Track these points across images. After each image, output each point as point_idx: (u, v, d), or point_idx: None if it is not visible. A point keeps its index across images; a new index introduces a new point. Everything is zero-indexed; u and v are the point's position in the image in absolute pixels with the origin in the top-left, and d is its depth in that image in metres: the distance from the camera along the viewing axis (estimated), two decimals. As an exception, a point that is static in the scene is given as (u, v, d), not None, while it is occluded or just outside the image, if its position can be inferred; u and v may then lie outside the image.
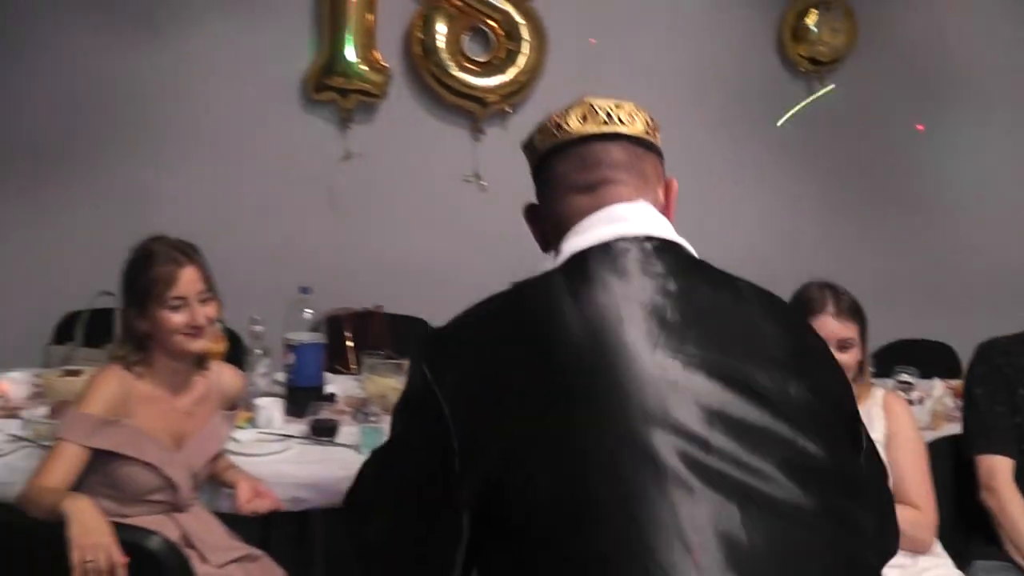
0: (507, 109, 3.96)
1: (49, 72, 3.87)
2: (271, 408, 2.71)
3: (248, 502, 2.22)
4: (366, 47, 3.85)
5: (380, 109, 3.98)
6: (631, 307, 1.16)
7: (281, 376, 2.90)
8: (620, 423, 1.09)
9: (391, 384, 2.84)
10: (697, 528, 1.04)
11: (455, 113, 4.00)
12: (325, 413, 2.78)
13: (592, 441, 1.09)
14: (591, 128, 1.31)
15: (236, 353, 2.96)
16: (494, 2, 3.85)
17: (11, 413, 2.61)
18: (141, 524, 1.97)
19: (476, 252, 3.88)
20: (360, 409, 2.74)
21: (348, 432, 2.63)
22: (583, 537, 1.06)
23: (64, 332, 3.36)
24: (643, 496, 1.05)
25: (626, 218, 1.27)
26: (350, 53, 3.83)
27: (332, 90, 3.90)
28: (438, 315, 2.91)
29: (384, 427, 2.55)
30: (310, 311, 2.90)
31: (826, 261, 3.59)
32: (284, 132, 3.98)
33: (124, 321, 2.16)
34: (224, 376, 2.35)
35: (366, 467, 1.31)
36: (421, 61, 3.89)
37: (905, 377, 2.68)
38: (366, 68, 3.85)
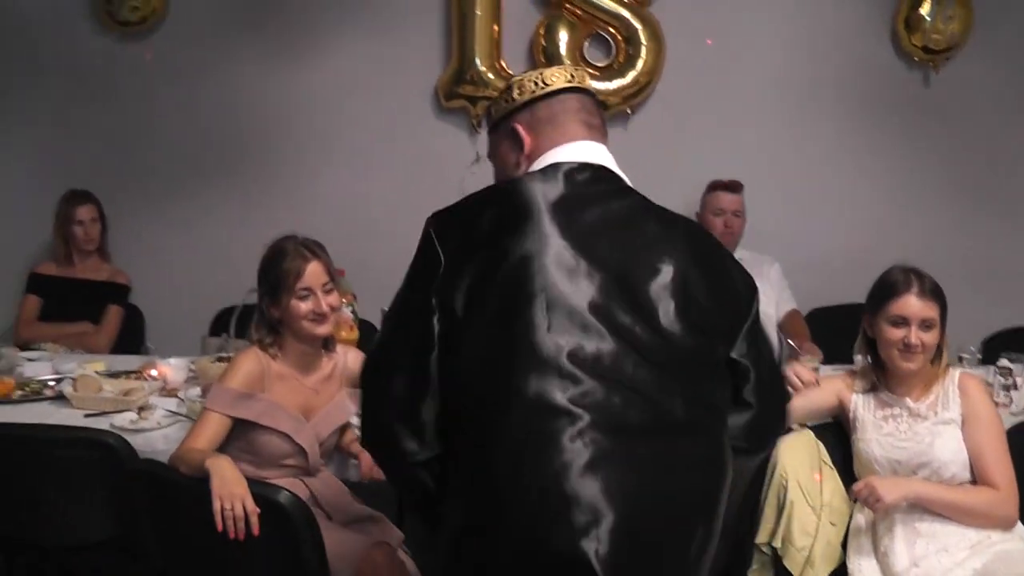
0: (627, 111, 4.11)
1: (212, 91, 4.29)
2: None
3: (369, 470, 2.47)
4: (492, 56, 4.08)
5: (503, 114, 4.20)
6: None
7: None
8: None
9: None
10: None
11: (577, 116, 4.17)
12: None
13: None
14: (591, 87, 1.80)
15: (367, 341, 3.22)
16: (613, 9, 3.99)
17: (170, 393, 2.97)
18: (274, 484, 2.25)
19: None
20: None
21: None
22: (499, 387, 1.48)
23: (219, 325, 3.74)
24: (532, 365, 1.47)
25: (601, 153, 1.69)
26: (478, 63, 4.08)
27: (462, 98, 4.15)
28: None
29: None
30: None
31: (937, 249, 3.63)
32: (418, 138, 4.25)
33: (260, 309, 2.46)
34: (349, 358, 2.61)
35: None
36: (544, 68, 4.08)
37: (1004, 362, 2.69)
38: (493, 76, 4.08)
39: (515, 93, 1.74)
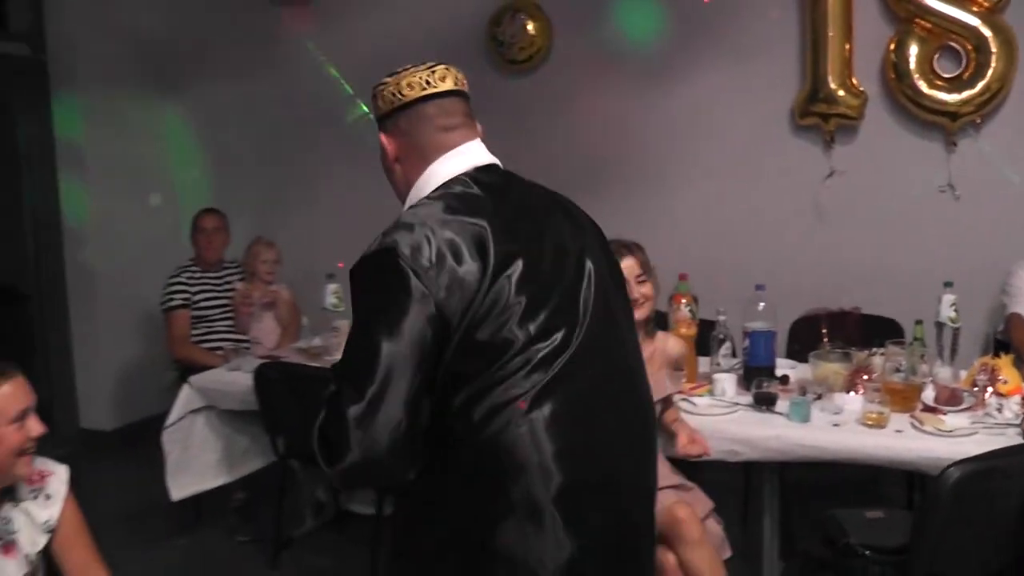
0: (977, 120, 4.10)
1: (585, 118, 4.90)
2: (725, 381, 3.31)
3: (684, 446, 2.85)
4: (844, 75, 4.27)
5: (858, 130, 4.37)
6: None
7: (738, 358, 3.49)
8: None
9: (835, 368, 3.27)
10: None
11: (927, 128, 4.23)
12: (773, 390, 3.30)
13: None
14: (446, 86, 1.86)
15: (704, 337, 3.58)
16: (963, 19, 4.02)
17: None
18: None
19: (949, 257, 4.09)
20: (804, 387, 3.23)
21: (785, 404, 3.13)
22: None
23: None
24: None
25: (472, 151, 1.87)
26: (830, 81, 4.29)
27: (816, 115, 4.37)
28: (909, 315, 3.31)
29: (811, 402, 3.05)
30: (762, 304, 3.42)
31: None
32: (774, 155, 4.55)
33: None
34: (669, 343, 3.02)
35: None
36: (894, 83, 4.19)
37: None
38: (845, 93, 4.27)
39: (378, 101, 1.88)
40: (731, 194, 4.65)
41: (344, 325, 3.87)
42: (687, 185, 4.73)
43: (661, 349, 3.01)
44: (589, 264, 1.82)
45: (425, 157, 1.84)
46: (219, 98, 5.71)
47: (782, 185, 4.53)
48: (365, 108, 5.12)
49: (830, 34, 4.25)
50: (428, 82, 1.85)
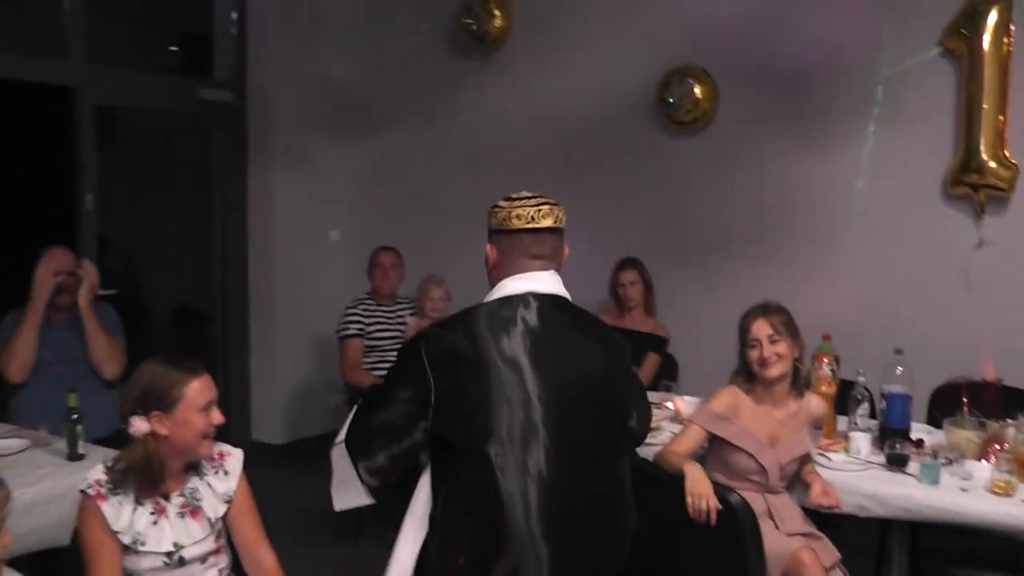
0: None
1: (746, 178, 5.12)
2: (861, 440, 3.45)
3: (816, 497, 3.04)
4: (997, 146, 4.37)
5: (1009, 201, 4.44)
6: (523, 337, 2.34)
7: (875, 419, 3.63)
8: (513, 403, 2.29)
9: (968, 435, 3.38)
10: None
11: (1079, 201, 4.29)
12: (906, 451, 3.43)
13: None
14: (546, 223, 2.41)
15: (843, 396, 3.73)
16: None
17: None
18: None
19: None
20: (936, 452, 3.35)
21: (916, 466, 3.27)
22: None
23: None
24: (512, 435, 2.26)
25: (544, 280, 2.42)
26: (983, 152, 4.39)
27: (967, 185, 4.48)
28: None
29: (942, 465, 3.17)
30: (900, 368, 3.55)
31: None
32: (925, 222, 4.66)
33: (740, 357, 3.19)
34: (812, 402, 3.23)
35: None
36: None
37: None
38: (996, 165, 4.37)
39: (491, 219, 2.47)
40: (879, 258, 4.77)
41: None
42: (837, 247, 4.88)
43: (806, 408, 3.23)
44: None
45: (509, 272, 2.43)
46: (400, 144, 6.21)
47: (931, 252, 4.64)
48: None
49: (984, 106, 4.36)
50: (533, 217, 2.40)
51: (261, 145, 6.02)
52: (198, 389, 2.44)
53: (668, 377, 4.79)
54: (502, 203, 2.45)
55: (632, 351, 4.76)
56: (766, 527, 2.88)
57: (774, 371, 3.11)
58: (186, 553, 2.44)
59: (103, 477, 2.40)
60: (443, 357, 2.31)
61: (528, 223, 2.40)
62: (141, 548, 2.38)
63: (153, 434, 2.38)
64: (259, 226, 6.07)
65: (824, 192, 4.92)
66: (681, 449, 3.04)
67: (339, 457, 4.39)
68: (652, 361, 4.87)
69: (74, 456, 3.22)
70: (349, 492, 4.48)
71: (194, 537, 2.46)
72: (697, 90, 5.16)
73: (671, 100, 5.21)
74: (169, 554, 2.41)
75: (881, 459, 3.34)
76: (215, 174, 6.07)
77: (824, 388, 3.62)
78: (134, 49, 5.84)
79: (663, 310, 5.07)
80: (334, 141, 6.21)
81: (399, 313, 5.15)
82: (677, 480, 2.84)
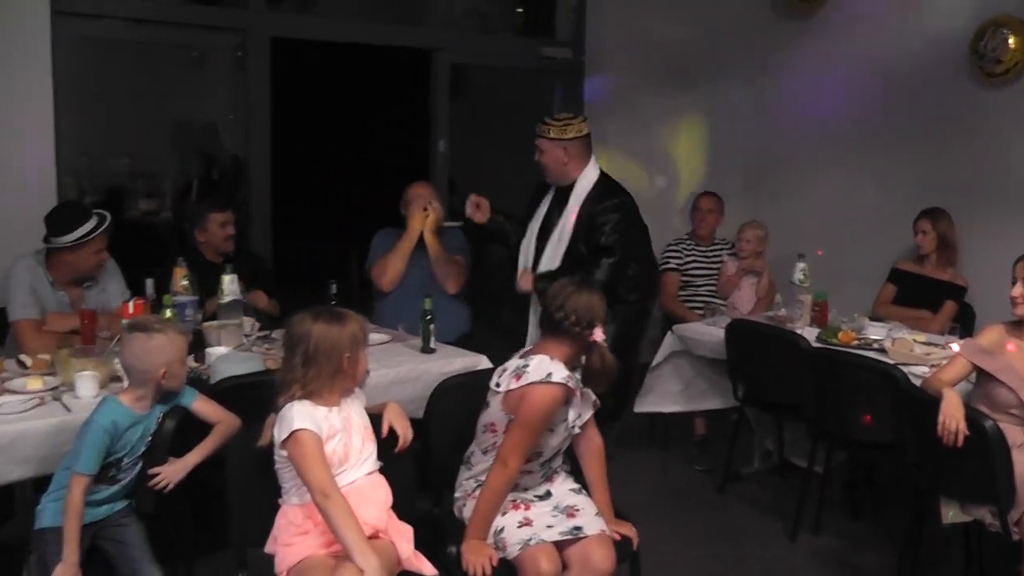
0: None
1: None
2: None
3: None
4: None
5: None
6: None
7: None
8: None
9: None
10: None
11: None
12: None
13: None
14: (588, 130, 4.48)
15: None
16: None
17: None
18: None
19: None
20: None
21: None
22: None
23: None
24: None
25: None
26: None
27: None
28: None
29: None
30: None
31: None
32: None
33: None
34: None
35: None
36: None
37: None
38: None
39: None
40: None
41: (807, 299, 4.66)
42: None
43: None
44: None
45: (582, 162, 4.40)
46: (726, 98, 6.67)
47: None
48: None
49: None
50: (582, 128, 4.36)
51: (596, 96, 6.64)
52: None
53: (963, 325, 4.94)
54: (572, 120, 4.53)
55: (934, 297, 4.97)
56: (1020, 457, 3.16)
57: (1019, 311, 3.34)
58: None
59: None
60: None
61: (582, 132, 4.51)
62: None
63: None
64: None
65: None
66: (946, 377, 3.36)
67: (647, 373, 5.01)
68: (948, 308, 5.01)
69: (427, 349, 3.96)
70: (649, 399, 5.17)
71: None
72: (1011, 41, 5.15)
73: (986, 51, 5.24)
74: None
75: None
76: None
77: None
78: (484, 13, 6.68)
79: (967, 260, 5.17)
80: (663, 92, 6.68)
81: (716, 253, 5.73)
82: (937, 403, 3.19)
